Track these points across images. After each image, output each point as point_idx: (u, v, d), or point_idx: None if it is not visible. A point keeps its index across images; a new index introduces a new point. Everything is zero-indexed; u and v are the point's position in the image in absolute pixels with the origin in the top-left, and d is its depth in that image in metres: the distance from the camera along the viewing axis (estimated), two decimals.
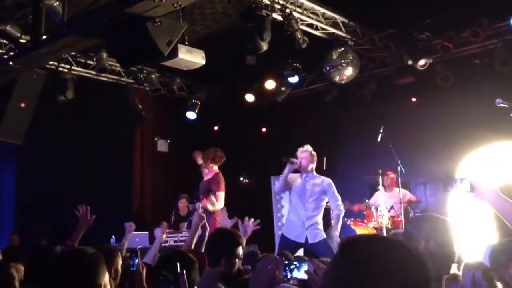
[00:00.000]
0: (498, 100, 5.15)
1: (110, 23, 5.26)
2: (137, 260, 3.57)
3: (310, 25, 8.01)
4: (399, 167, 8.39)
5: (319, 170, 6.86)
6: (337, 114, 10.65)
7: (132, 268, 3.61)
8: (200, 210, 7.19)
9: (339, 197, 6.60)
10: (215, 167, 7.65)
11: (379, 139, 8.53)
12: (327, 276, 1.52)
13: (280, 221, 10.19)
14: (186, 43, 5.97)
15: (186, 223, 8.63)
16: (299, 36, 7.50)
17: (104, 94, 10.26)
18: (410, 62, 8.48)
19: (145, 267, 3.62)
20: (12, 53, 7.35)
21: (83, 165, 10.57)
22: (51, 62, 8.53)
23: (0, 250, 7.89)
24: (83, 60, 9.36)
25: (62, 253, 3.13)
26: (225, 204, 7.63)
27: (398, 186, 8.65)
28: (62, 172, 10.06)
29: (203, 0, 7.61)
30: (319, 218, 6.54)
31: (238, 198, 8.74)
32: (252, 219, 5.26)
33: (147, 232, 8.20)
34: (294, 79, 9.58)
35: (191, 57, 6.00)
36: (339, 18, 8.18)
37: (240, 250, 3.85)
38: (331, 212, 6.75)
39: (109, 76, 9.88)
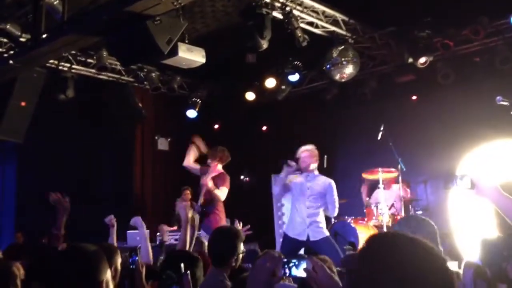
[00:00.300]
0: (498, 97, 5.15)
1: (110, 21, 5.26)
2: (136, 258, 3.58)
3: (310, 23, 8.00)
4: (399, 165, 8.39)
5: (320, 169, 6.85)
6: (338, 112, 10.64)
7: (131, 266, 3.62)
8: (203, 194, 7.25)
9: (337, 201, 6.54)
10: (220, 166, 7.69)
11: (379, 137, 8.54)
12: (352, 271, 1.53)
13: (280, 219, 10.20)
14: (186, 41, 5.97)
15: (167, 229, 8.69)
16: (299, 34, 7.49)
17: (104, 93, 10.26)
18: (410, 60, 8.46)
19: (144, 264, 3.62)
20: (12, 52, 7.34)
21: (83, 163, 10.57)
22: (51, 61, 8.51)
23: (2, 248, 7.89)
24: (83, 59, 9.35)
25: (63, 250, 3.13)
26: (225, 203, 7.64)
27: (396, 183, 8.66)
28: (63, 170, 10.05)
29: None
30: (321, 216, 6.52)
31: (238, 196, 8.72)
32: (241, 223, 5.27)
33: (148, 231, 8.20)
34: (294, 77, 9.57)
35: (191, 56, 6.00)
36: (339, 16, 8.17)
37: (242, 245, 3.91)
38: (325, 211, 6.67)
39: (109, 74, 9.88)
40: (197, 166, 7.98)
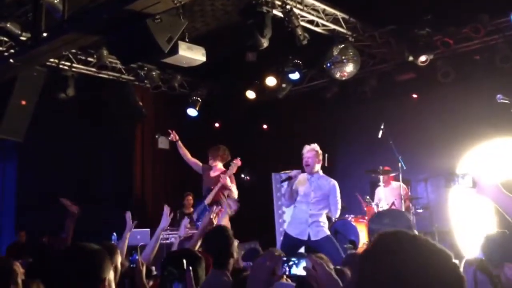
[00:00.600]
0: (498, 96, 5.16)
1: (110, 20, 5.25)
2: (137, 257, 3.58)
3: (311, 22, 8.00)
4: (400, 163, 8.39)
5: (321, 167, 6.84)
6: (338, 111, 10.64)
7: (131, 265, 3.62)
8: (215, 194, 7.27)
9: (339, 202, 6.52)
10: (221, 165, 7.71)
11: (379, 136, 8.54)
12: (358, 269, 1.50)
13: (281, 217, 10.21)
14: (187, 40, 5.96)
15: (188, 220, 8.63)
16: (300, 33, 7.49)
17: (104, 91, 10.26)
18: (410, 58, 8.46)
19: (144, 263, 3.63)
20: (12, 51, 7.34)
21: (83, 162, 10.57)
22: (51, 60, 8.52)
23: (2, 248, 7.91)
24: (83, 58, 9.36)
25: (66, 249, 3.14)
26: None
27: (396, 180, 8.66)
28: (63, 170, 10.06)
29: None
30: (323, 216, 6.51)
31: (239, 195, 8.72)
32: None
33: (148, 230, 8.22)
34: (294, 76, 9.56)
35: (192, 54, 5.99)
36: (339, 15, 8.17)
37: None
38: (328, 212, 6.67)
39: (110, 73, 9.88)
40: (198, 163, 8.01)
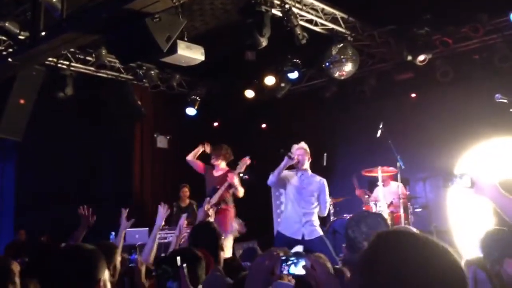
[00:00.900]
0: (497, 95, 5.16)
1: (109, 19, 5.25)
2: (136, 256, 3.58)
3: (310, 21, 8.00)
4: (398, 163, 8.40)
5: (320, 166, 6.86)
6: (337, 110, 10.64)
7: (130, 264, 3.62)
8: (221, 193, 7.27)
9: (328, 201, 6.64)
10: (224, 164, 7.71)
11: (378, 135, 8.54)
12: (357, 267, 1.48)
13: (279, 217, 10.20)
14: (185, 39, 5.95)
15: (186, 215, 8.63)
16: (299, 32, 7.48)
17: (103, 91, 10.25)
18: (409, 58, 8.47)
19: (144, 263, 3.63)
20: (11, 50, 7.34)
21: (82, 162, 10.56)
22: (50, 59, 8.52)
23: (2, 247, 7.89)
24: (82, 57, 9.35)
25: (61, 249, 3.14)
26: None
27: (395, 180, 8.67)
28: (62, 168, 10.05)
29: None
30: (315, 216, 6.55)
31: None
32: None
33: (147, 229, 8.21)
34: (293, 75, 9.56)
35: (191, 53, 5.98)
36: (338, 14, 8.17)
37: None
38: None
39: (108, 72, 9.87)
40: (200, 163, 8.01)
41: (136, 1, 4.82)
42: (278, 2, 7.40)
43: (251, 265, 2.23)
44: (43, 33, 5.84)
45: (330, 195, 9.17)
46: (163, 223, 5.18)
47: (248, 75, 10.48)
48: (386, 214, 8.31)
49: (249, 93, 10.72)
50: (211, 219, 5.11)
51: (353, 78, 9.00)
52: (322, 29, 8.23)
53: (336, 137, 10.79)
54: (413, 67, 8.81)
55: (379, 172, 8.70)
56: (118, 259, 3.58)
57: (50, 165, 10.03)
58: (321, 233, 6.51)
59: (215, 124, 11.86)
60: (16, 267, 3.04)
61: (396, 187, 8.72)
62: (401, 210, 8.40)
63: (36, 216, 9.69)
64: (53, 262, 2.33)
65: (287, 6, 7.42)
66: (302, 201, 6.48)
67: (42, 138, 9.54)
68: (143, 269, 3.59)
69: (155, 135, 11.16)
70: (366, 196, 8.99)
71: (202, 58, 6.18)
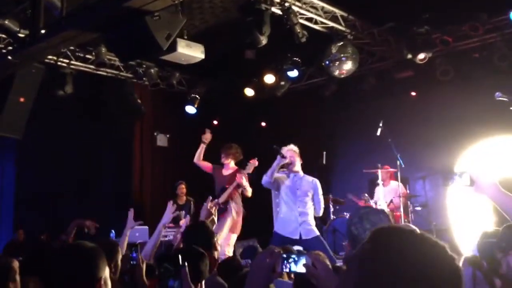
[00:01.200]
0: (497, 93, 5.16)
1: (109, 17, 5.24)
2: (136, 255, 3.58)
3: (310, 19, 7.99)
4: (398, 162, 8.40)
5: (319, 165, 6.87)
6: (337, 108, 10.64)
7: (132, 262, 3.62)
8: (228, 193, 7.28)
9: (322, 201, 6.67)
10: (233, 163, 7.72)
11: (378, 133, 8.54)
12: (352, 263, 1.49)
13: (279, 214, 10.21)
14: (185, 37, 5.96)
15: (184, 212, 8.63)
16: (298, 30, 7.48)
17: (103, 89, 10.24)
18: (409, 56, 8.47)
19: (144, 261, 3.63)
20: (10, 48, 7.33)
21: (82, 160, 10.55)
22: (49, 57, 8.51)
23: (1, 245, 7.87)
24: (81, 55, 9.34)
25: (62, 247, 3.14)
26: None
27: (396, 180, 8.67)
28: (62, 167, 10.04)
29: None
30: (311, 216, 6.59)
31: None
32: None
33: (147, 227, 8.21)
34: (293, 73, 9.56)
35: (190, 51, 6.00)
36: (338, 12, 8.16)
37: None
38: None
39: (108, 70, 9.86)
40: (207, 164, 8.01)
41: None
42: (278, 0, 7.39)
43: (252, 263, 2.23)
44: (42, 31, 5.83)
45: (330, 193, 9.24)
46: (169, 221, 5.17)
47: (248, 74, 10.47)
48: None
49: (249, 92, 10.71)
50: (215, 217, 5.10)
51: (353, 76, 8.99)
52: (322, 27, 8.23)
53: (335, 135, 10.80)
54: (413, 65, 8.81)
55: (379, 172, 8.72)
56: (119, 257, 3.59)
57: (49, 164, 10.01)
58: (318, 233, 6.57)
59: (215, 122, 11.84)
60: (16, 265, 3.05)
61: (396, 186, 8.73)
62: (401, 209, 8.41)
63: (36, 215, 9.68)
64: (54, 260, 2.33)
65: (287, 4, 7.41)
66: (297, 201, 6.53)
67: (42, 136, 9.53)
68: (144, 267, 3.59)
69: (155, 134, 11.15)
70: (367, 196, 8.98)
71: (202, 56, 6.20)
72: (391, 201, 8.67)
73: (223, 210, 7.50)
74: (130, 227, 5.07)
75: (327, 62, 8.66)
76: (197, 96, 10.76)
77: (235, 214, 7.54)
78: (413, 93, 9.80)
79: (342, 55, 8.49)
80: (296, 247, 6.29)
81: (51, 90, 8.88)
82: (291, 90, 10.46)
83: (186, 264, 2.58)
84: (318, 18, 8.05)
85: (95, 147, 10.66)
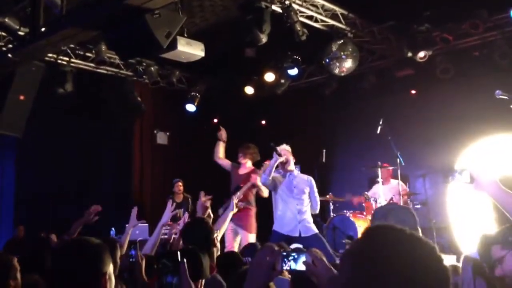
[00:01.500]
0: (497, 91, 5.15)
1: (109, 15, 5.24)
2: (135, 252, 3.59)
3: (310, 17, 7.99)
4: (398, 160, 8.40)
5: (319, 163, 6.90)
6: (337, 107, 10.63)
7: (131, 259, 3.63)
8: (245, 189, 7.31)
9: (318, 197, 6.78)
10: (250, 163, 7.74)
11: (378, 131, 8.54)
12: (346, 259, 1.51)
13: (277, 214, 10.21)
14: (185, 35, 5.94)
15: (182, 209, 8.64)
16: (299, 28, 7.47)
17: (103, 87, 10.24)
18: (409, 54, 8.47)
19: (144, 258, 3.63)
20: (10, 46, 7.33)
21: (82, 159, 10.55)
22: (50, 55, 8.51)
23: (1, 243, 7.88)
24: (82, 53, 9.33)
25: (66, 242, 3.14)
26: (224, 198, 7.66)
27: (396, 178, 8.67)
28: (62, 166, 10.03)
29: None
30: (308, 213, 6.64)
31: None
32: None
33: (147, 225, 8.21)
34: (293, 72, 9.56)
35: (190, 49, 5.97)
36: (338, 10, 8.16)
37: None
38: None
39: (108, 68, 9.86)
40: (228, 162, 8.02)
41: None
42: None
43: (252, 261, 2.23)
44: (42, 29, 5.83)
45: (330, 191, 9.24)
46: (169, 220, 5.17)
47: (248, 72, 10.47)
48: None
49: (249, 90, 10.71)
50: (209, 210, 5.13)
51: (353, 74, 8.98)
52: (322, 25, 8.22)
53: (335, 133, 10.79)
54: (413, 63, 8.80)
55: (379, 169, 8.71)
56: (118, 255, 3.59)
57: (49, 163, 10.01)
58: (316, 230, 6.61)
59: (215, 120, 11.85)
60: (17, 263, 3.05)
61: (396, 185, 8.73)
62: None
63: (36, 215, 9.68)
64: (59, 256, 2.33)
65: (287, 2, 7.41)
66: (294, 199, 6.59)
67: (42, 135, 9.53)
68: (143, 264, 3.59)
69: (155, 131, 11.15)
70: (367, 194, 8.98)
71: (202, 54, 6.17)
72: (391, 199, 8.66)
73: (242, 209, 7.56)
74: (133, 225, 5.08)
75: (327, 60, 8.65)
76: (197, 94, 10.77)
77: (252, 214, 7.60)
78: (413, 91, 9.80)
79: (342, 53, 8.48)
80: (295, 245, 6.33)
81: (51, 88, 8.88)
82: (291, 88, 10.45)
83: (184, 260, 2.58)
84: (318, 16, 8.04)
85: (95, 145, 10.66)
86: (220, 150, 8.05)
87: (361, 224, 8.10)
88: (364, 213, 8.56)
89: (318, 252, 3.09)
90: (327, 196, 8.82)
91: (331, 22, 8.20)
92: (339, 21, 8.26)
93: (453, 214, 9.04)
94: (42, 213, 9.62)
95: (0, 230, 10.41)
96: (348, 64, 8.56)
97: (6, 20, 6.62)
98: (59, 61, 9.09)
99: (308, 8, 7.84)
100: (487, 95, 5.84)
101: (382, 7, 8.02)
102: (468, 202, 8.35)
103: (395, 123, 8.74)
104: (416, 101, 9.68)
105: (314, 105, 10.86)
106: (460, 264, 3.48)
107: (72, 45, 8.74)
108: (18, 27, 6.72)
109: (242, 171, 7.80)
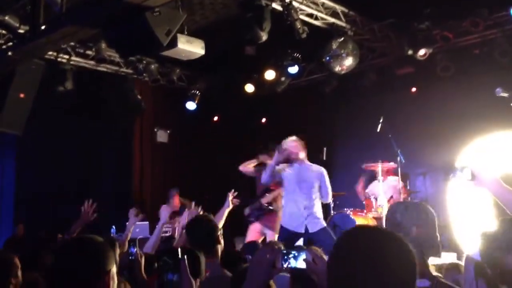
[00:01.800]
0: (498, 89, 5.14)
1: (109, 13, 5.24)
2: (135, 250, 3.59)
3: (310, 15, 7.98)
4: (398, 157, 8.40)
5: (319, 161, 6.86)
6: (337, 104, 10.64)
7: (130, 257, 3.63)
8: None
9: (330, 188, 6.64)
10: None
11: (378, 129, 8.53)
12: (327, 264, 1.60)
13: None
14: (186, 33, 5.94)
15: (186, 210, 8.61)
16: (299, 26, 7.46)
17: (103, 85, 10.23)
18: (410, 52, 8.45)
19: (143, 255, 3.64)
20: (10, 44, 7.32)
21: (82, 158, 10.55)
22: (50, 53, 8.50)
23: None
24: (82, 51, 9.33)
25: (68, 241, 3.14)
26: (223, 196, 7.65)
27: (393, 175, 8.68)
28: (62, 165, 10.02)
29: None
30: (318, 207, 6.54)
31: (237, 188, 8.72)
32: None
33: (147, 222, 8.22)
34: (293, 69, 9.55)
35: (191, 47, 5.97)
36: (338, 8, 8.15)
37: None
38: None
39: (108, 66, 9.86)
40: (250, 168, 7.99)
41: None
42: None
43: (252, 259, 2.23)
44: (42, 27, 5.83)
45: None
46: (168, 219, 5.20)
47: (248, 70, 10.47)
48: (386, 208, 8.33)
49: (249, 88, 10.71)
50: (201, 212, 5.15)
51: (353, 72, 8.98)
52: (323, 23, 8.22)
53: (336, 131, 10.79)
54: (414, 61, 8.79)
55: (379, 167, 8.71)
56: (117, 253, 3.60)
57: (49, 163, 9.99)
58: (324, 224, 6.52)
59: (215, 118, 11.86)
60: (18, 261, 3.05)
61: (393, 181, 8.73)
62: None
63: (36, 214, 9.67)
64: (61, 253, 2.33)
65: (287, 0, 7.40)
66: (303, 194, 6.47)
67: (42, 134, 9.51)
68: (143, 261, 3.60)
69: (155, 130, 11.15)
70: (366, 191, 8.99)
71: (202, 52, 6.17)
72: (391, 197, 8.66)
73: (266, 211, 7.56)
74: (133, 223, 5.10)
75: (327, 58, 8.64)
76: (197, 92, 10.76)
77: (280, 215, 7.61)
78: (414, 89, 9.79)
79: (342, 51, 8.47)
80: (298, 243, 6.33)
81: (51, 86, 8.87)
82: (291, 86, 10.45)
83: (185, 257, 2.58)
84: (319, 14, 8.04)
85: (95, 144, 10.65)
86: (251, 165, 8.01)
87: (361, 222, 8.10)
88: (365, 211, 8.56)
89: (318, 250, 3.09)
90: None
91: (331, 20, 8.19)
92: (339, 19, 8.26)
93: (453, 212, 9.03)
94: (42, 213, 9.61)
95: (1, 228, 10.41)
96: (348, 62, 8.56)
97: (6, 18, 6.61)
98: (59, 59, 9.07)
99: (309, 6, 7.84)
100: (487, 93, 5.84)
101: (383, 5, 8.01)
102: (468, 199, 8.34)
103: (395, 121, 8.74)
104: (417, 99, 9.68)
105: (314, 103, 10.86)
106: (462, 263, 3.48)
107: (72, 43, 8.73)
108: (18, 25, 6.72)
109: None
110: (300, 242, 6.72)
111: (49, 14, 5.86)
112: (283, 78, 10.11)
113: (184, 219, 5.36)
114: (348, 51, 8.46)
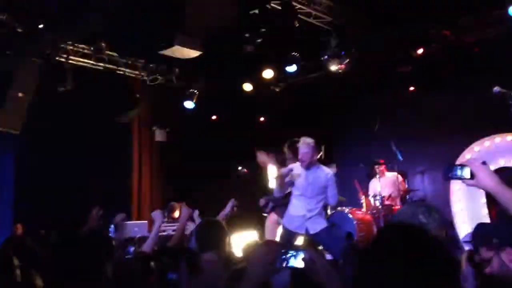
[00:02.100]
0: (495, 88, 5.16)
1: (109, 12, 5.24)
2: (132, 249, 3.59)
3: (308, 14, 7.98)
4: (397, 156, 8.40)
5: (318, 159, 6.84)
6: (335, 103, 10.62)
7: (127, 256, 3.63)
8: None
9: (337, 192, 6.57)
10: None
11: (376, 128, 8.54)
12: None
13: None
14: (184, 32, 5.94)
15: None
16: (297, 25, 7.46)
17: (102, 84, 10.21)
18: (409, 51, 8.45)
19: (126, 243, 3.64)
20: (9, 42, 7.31)
21: (81, 156, 10.53)
22: (48, 52, 8.47)
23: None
24: (80, 50, 9.30)
25: (66, 239, 3.14)
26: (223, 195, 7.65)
27: (390, 171, 8.69)
28: (61, 164, 10.00)
29: None
30: (321, 209, 6.53)
31: (236, 187, 8.73)
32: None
33: (146, 221, 8.22)
34: (292, 68, 9.54)
35: (189, 46, 5.98)
36: (336, 7, 8.14)
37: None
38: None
39: (107, 65, 9.83)
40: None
41: None
42: None
43: (251, 258, 2.23)
44: (41, 26, 5.82)
45: None
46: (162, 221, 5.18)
47: (246, 68, 10.45)
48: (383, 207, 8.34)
49: (248, 87, 10.70)
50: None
51: (351, 71, 8.97)
52: (321, 22, 8.21)
53: (334, 130, 10.78)
54: (412, 60, 8.78)
55: (377, 165, 8.72)
56: (113, 251, 3.59)
57: (49, 161, 9.98)
58: (326, 224, 6.50)
59: (213, 117, 11.84)
60: (16, 261, 3.05)
61: (392, 177, 8.73)
62: (398, 203, 8.43)
63: (35, 212, 9.66)
64: (58, 252, 2.32)
65: None
66: (308, 198, 6.41)
67: (42, 132, 9.50)
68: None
69: (153, 128, 11.14)
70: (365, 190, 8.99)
71: (201, 51, 6.18)
72: (390, 195, 8.66)
73: (280, 202, 7.52)
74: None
75: (325, 57, 8.64)
76: (196, 91, 10.74)
77: None
78: (412, 88, 9.78)
79: (340, 49, 8.47)
80: (298, 242, 6.32)
81: (49, 85, 8.85)
82: (289, 85, 10.44)
83: (184, 258, 2.58)
84: (317, 13, 8.03)
85: (93, 141, 10.63)
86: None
87: (359, 221, 8.09)
88: (363, 210, 8.56)
89: (318, 250, 3.10)
90: None
91: (330, 18, 8.18)
92: (338, 18, 8.25)
93: (452, 210, 9.03)
94: (41, 211, 9.60)
95: (1, 227, 10.42)
96: (346, 60, 8.55)
97: (5, 16, 6.60)
98: (57, 58, 9.04)
99: (307, 5, 7.83)
100: (486, 91, 5.85)
101: (381, 4, 8.00)
102: (467, 198, 8.34)
103: (393, 120, 8.75)
104: (415, 97, 9.67)
105: (312, 102, 10.85)
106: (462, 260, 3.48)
107: (70, 42, 8.71)
108: (17, 24, 6.70)
109: None
110: (299, 241, 6.71)
111: (48, 14, 5.86)
112: (281, 77, 10.10)
113: (184, 218, 5.35)
114: (346, 50, 8.45)
